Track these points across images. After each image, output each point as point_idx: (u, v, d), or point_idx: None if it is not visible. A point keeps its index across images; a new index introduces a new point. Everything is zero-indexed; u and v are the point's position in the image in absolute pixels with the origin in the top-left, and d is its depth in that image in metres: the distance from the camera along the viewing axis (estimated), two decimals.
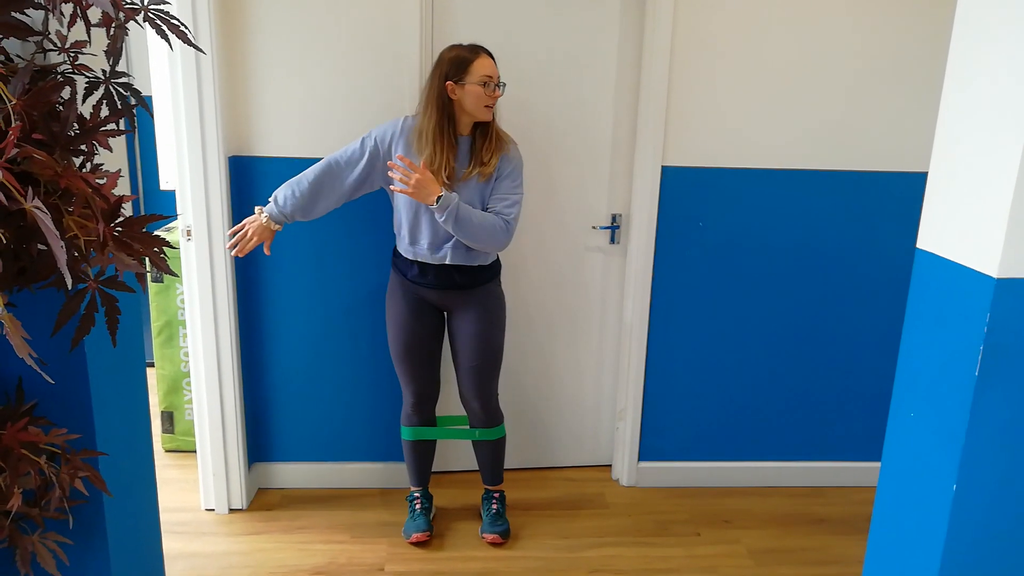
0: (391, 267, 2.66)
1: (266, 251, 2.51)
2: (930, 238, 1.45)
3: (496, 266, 2.66)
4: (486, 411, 2.74)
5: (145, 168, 4.31)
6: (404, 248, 2.56)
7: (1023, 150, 1.21)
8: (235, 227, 2.49)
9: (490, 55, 2.43)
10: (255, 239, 2.46)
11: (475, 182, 2.46)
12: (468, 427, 2.82)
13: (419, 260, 2.54)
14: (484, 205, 2.49)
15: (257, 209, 2.48)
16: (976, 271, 1.31)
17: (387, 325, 2.67)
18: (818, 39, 2.80)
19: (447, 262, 2.52)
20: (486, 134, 2.47)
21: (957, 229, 1.37)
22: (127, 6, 1.28)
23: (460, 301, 2.61)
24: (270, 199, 2.48)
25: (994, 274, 1.27)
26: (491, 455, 2.83)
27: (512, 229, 2.47)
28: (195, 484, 2.98)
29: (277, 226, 2.48)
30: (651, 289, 3.01)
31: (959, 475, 1.36)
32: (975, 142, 1.32)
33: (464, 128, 2.48)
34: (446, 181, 2.41)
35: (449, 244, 2.50)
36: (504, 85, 2.45)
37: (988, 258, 1.28)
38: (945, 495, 1.38)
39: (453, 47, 2.43)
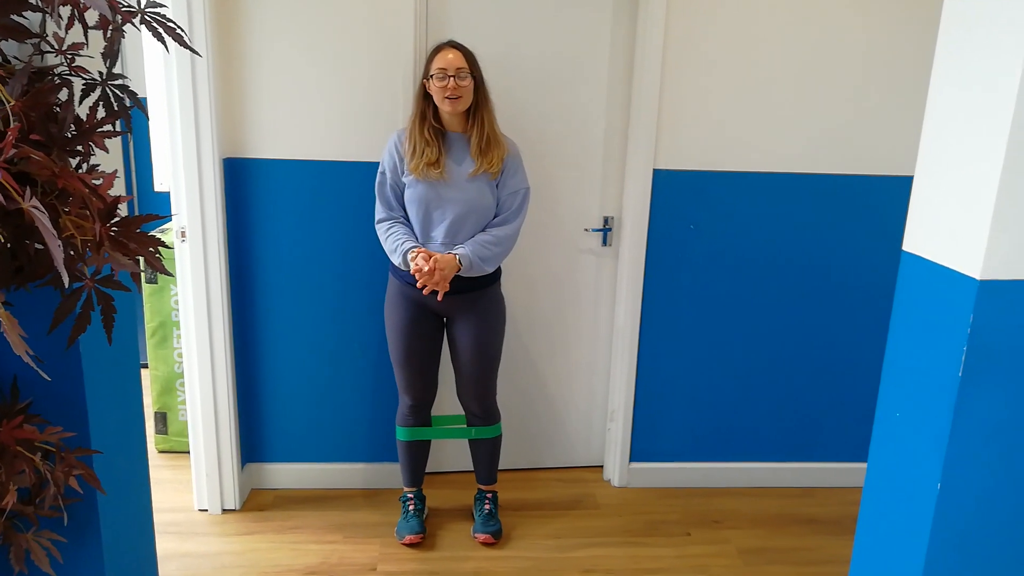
0: (389, 275, 2.66)
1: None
2: (915, 240, 1.47)
3: (498, 270, 2.68)
4: (484, 410, 2.76)
5: (139, 170, 4.31)
6: None
7: (1005, 154, 1.23)
8: (427, 268, 2.42)
9: (457, 48, 2.47)
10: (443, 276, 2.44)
11: (485, 179, 2.53)
12: (464, 426, 2.84)
13: None
14: (496, 198, 2.58)
15: (423, 260, 2.42)
16: (960, 273, 1.33)
17: (387, 332, 2.67)
18: (808, 43, 2.83)
19: None
20: (482, 135, 2.50)
21: (941, 232, 1.39)
22: (124, 9, 1.29)
23: (462, 306, 2.61)
24: (404, 254, 2.47)
25: (977, 276, 1.29)
26: (487, 453, 2.85)
27: (518, 227, 2.59)
28: (188, 485, 2.98)
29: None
30: (643, 291, 3.02)
31: (943, 474, 1.37)
32: (959, 146, 1.35)
33: (453, 125, 2.53)
34: (437, 174, 2.47)
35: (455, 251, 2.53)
36: (468, 74, 2.45)
37: (971, 260, 1.30)
38: (930, 494, 1.40)
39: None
